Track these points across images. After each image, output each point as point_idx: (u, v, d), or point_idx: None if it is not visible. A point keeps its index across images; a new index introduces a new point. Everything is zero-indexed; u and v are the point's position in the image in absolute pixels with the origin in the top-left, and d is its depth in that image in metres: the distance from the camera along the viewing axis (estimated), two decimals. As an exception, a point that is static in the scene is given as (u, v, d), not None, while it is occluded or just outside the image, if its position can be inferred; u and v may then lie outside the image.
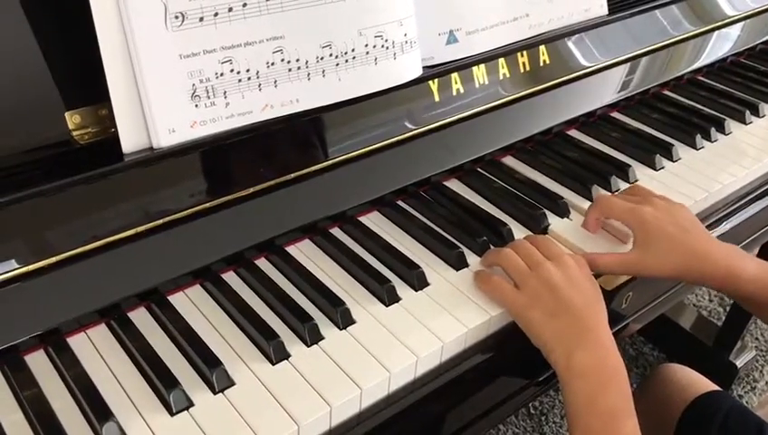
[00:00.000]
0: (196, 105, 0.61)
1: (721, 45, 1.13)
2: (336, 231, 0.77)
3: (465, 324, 0.66)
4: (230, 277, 0.70)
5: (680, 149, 0.94)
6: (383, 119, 0.77)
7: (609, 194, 0.77)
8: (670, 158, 0.93)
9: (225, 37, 0.61)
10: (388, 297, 0.68)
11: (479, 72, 0.83)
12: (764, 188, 0.94)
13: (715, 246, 0.73)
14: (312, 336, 0.63)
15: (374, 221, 0.79)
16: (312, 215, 0.75)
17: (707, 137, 0.97)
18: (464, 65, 0.82)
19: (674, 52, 1.05)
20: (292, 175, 0.71)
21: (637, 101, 1.05)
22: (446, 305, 0.68)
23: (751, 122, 1.03)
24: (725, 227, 0.87)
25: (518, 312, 0.66)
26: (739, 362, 1.57)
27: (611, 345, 0.64)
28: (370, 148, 0.76)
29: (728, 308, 1.64)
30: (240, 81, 0.63)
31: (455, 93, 0.82)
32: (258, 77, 0.64)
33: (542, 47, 0.89)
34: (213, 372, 0.59)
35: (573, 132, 0.98)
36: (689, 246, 0.71)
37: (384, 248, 0.74)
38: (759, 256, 1.47)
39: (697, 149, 0.96)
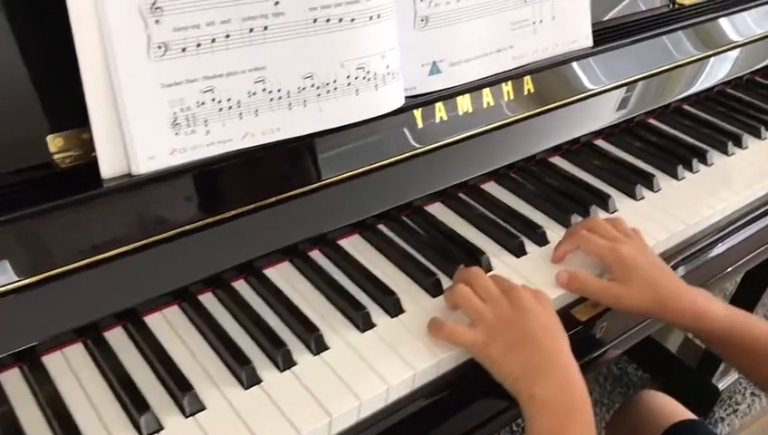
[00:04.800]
0: (177, 133, 0.62)
1: (711, 74, 1.14)
2: (316, 254, 0.78)
3: (436, 354, 0.67)
4: (208, 299, 0.71)
5: (661, 179, 0.95)
6: (366, 145, 0.78)
7: (584, 230, 0.78)
8: (651, 188, 0.94)
9: (207, 67, 0.62)
10: (363, 324, 0.69)
11: (463, 101, 0.84)
12: (744, 220, 0.95)
13: (686, 287, 0.75)
14: (285, 362, 0.64)
15: (354, 245, 0.80)
16: (292, 237, 0.76)
17: (689, 168, 0.98)
18: (447, 95, 0.83)
19: (660, 81, 1.06)
20: (274, 198, 0.72)
21: (621, 128, 1.06)
22: (420, 333, 0.69)
23: (733, 153, 1.04)
24: (700, 260, 0.88)
25: (477, 351, 0.67)
26: (721, 385, 1.58)
27: (575, 373, 0.64)
28: (353, 172, 0.77)
29: (713, 331, 1.64)
30: (221, 110, 0.64)
31: (438, 121, 0.83)
32: (239, 106, 0.65)
33: (527, 77, 0.90)
34: (184, 396, 0.60)
35: (557, 159, 0.99)
36: (663, 285, 0.74)
37: (362, 274, 0.75)
38: (742, 283, 1.49)
39: (679, 180, 0.97)
